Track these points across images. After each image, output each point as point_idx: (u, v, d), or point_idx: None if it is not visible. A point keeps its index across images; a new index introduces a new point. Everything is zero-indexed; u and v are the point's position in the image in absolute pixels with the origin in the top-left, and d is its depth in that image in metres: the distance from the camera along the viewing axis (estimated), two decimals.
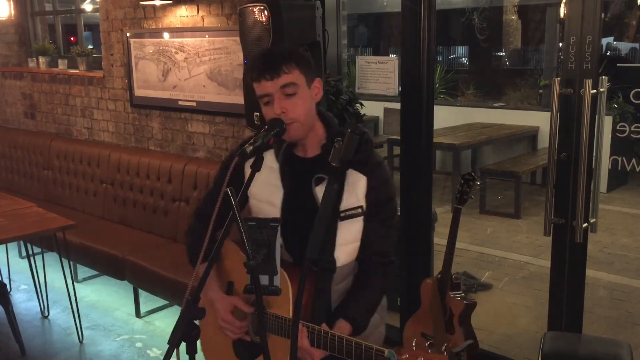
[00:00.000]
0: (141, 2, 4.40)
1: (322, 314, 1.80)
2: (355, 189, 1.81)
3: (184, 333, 1.55)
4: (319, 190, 1.79)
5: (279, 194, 1.89)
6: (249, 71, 1.87)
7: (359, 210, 1.81)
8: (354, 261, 1.89)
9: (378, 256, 1.89)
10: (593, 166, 2.68)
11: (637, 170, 2.76)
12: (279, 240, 1.66)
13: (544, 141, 7.73)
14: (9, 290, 4.31)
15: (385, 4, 12.95)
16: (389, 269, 1.93)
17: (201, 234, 1.73)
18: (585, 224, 2.71)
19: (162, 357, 1.92)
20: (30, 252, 4.10)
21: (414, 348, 2.95)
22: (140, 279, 3.92)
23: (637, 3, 9.33)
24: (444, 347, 2.83)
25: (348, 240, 1.83)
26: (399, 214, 3.33)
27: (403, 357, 1.43)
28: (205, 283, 1.93)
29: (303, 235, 1.64)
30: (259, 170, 1.66)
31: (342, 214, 1.80)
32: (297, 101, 1.77)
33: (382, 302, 2.01)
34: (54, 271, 4.14)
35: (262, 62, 1.78)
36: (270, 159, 1.90)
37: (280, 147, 1.89)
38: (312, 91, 1.83)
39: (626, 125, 2.72)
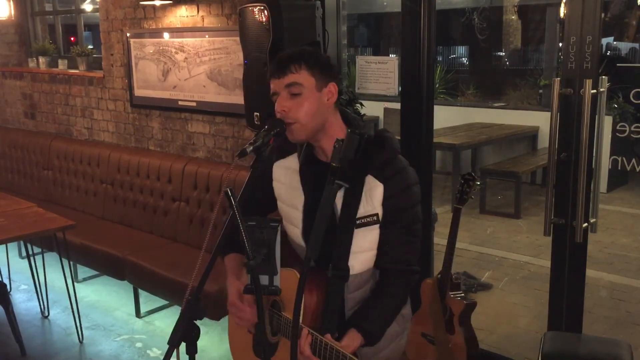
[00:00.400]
0: (141, 2, 4.40)
1: (332, 321, 1.78)
2: (372, 197, 1.78)
3: (184, 333, 1.56)
4: (338, 196, 1.75)
5: (301, 198, 1.88)
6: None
7: (374, 218, 1.78)
8: (370, 270, 1.85)
9: (398, 264, 1.83)
10: (593, 166, 2.68)
11: (637, 170, 2.77)
12: (279, 240, 1.66)
13: (544, 141, 7.73)
14: (9, 290, 4.32)
15: (385, 4, 12.93)
16: (411, 278, 1.87)
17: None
18: (585, 224, 2.71)
19: (162, 357, 1.92)
20: (30, 252, 4.10)
21: None
22: (140, 279, 3.92)
23: (637, 3, 9.32)
24: None
25: (363, 248, 1.80)
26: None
27: None
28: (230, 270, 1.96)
29: (323, 240, 1.63)
30: (257, 169, 1.66)
31: (358, 222, 1.77)
32: (302, 102, 1.74)
33: (404, 311, 1.95)
34: (54, 271, 4.14)
35: (274, 61, 1.80)
36: (295, 162, 1.91)
37: (302, 150, 1.88)
38: (323, 95, 1.78)
39: (626, 125, 2.72)
